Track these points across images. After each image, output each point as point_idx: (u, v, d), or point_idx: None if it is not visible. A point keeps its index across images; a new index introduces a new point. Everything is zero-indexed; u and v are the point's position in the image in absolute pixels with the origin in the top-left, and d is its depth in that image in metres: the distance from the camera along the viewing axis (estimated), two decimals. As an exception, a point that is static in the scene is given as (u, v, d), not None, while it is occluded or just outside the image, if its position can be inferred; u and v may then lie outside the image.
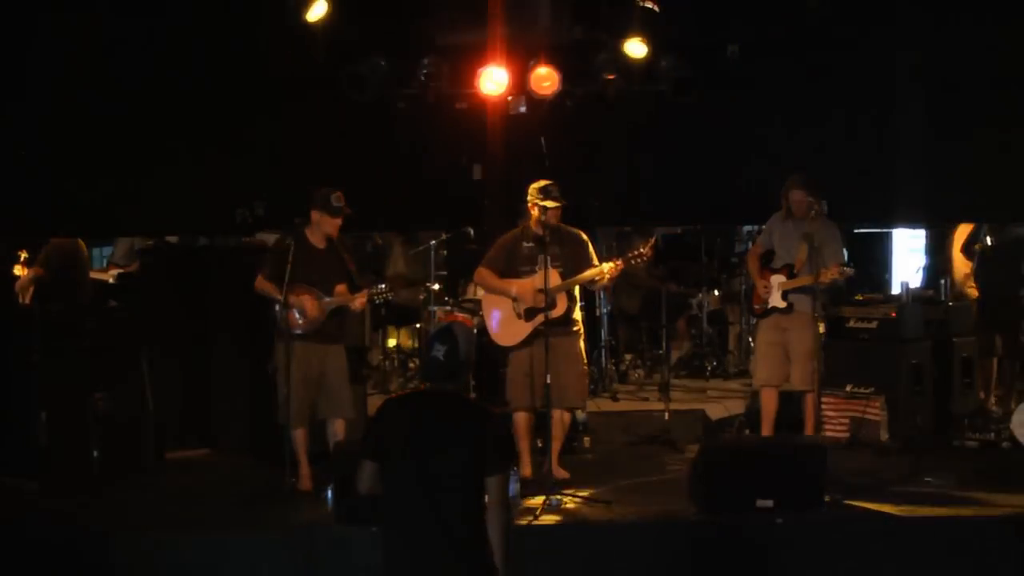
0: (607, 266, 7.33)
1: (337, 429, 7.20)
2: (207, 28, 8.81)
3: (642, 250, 7.41)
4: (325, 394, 7.21)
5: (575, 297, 7.57)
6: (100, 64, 8.64)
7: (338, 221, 7.21)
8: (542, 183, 7.42)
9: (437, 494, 4.29)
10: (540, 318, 7.21)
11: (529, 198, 7.44)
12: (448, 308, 9.45)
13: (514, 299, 7.41)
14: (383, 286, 7.22)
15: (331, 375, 7.24)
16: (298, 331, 7.11)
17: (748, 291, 10.58)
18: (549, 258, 7.20)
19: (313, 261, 7.19)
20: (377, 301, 7.30)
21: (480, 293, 8.19)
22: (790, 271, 7.81)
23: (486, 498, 4.34)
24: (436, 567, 4.28)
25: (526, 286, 7.40)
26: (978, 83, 8.90)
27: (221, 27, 8.84)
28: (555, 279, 7.26)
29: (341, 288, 7.21)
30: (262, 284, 7.18)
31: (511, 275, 7.49)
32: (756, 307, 8.11)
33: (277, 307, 7.08)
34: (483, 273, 7.58)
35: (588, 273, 7.39)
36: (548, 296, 7.14)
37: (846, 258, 7.74)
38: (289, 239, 7.10)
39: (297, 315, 7.11)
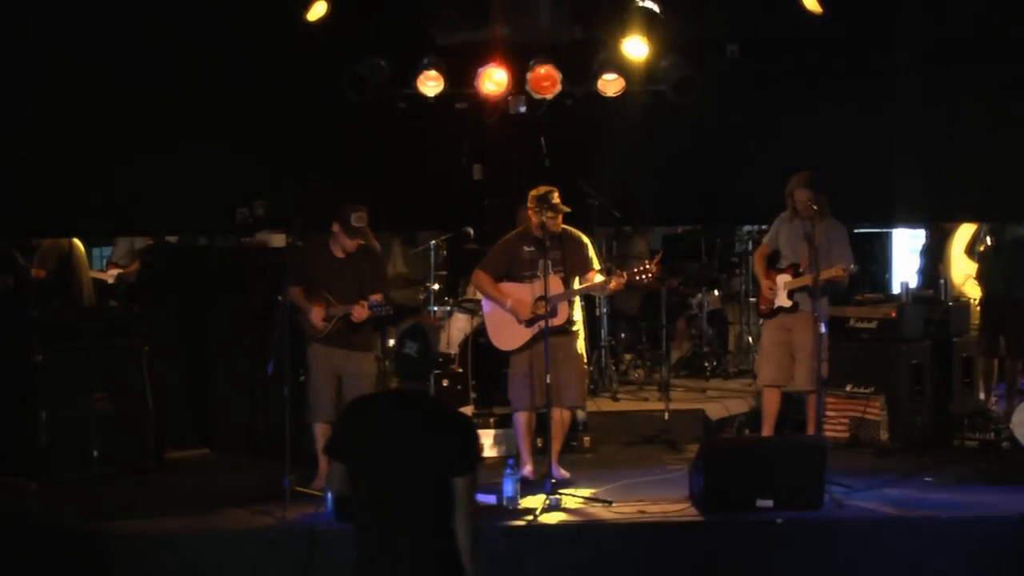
0: (612, 282, 7.28)
1: None
2: (208, 26, 8.82)
3: (648, 266, 7.30)
4: (342, 399, 7.26)
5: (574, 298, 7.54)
6: (100, 63, 8.64)
7: (357, 240, 7.26)
8: (541, 191, 7.31)
9: (404, 495, 4.27)
10: (540, 325, 7.16)
11: (529, 206, 7.35)
12: (449, 308, 9.45)
13: (510, 310, 7.36)
14: (384, 303, 7.23)
15: (349, 381, 7.29)
16: (312, 336, 7.29)
17: (748, 291, 10.62)
18: (551, 263, 7.17)
19: (332, 271, 7.28)
20: (382, 314, 7.33)
21: (480, 294, 8.17)
22: (795, 270, 7.79)
23: (455, 499, 4.29)
24: (405, 568, 4.26)
25: (524, 296, 7.36)
26: (978, 81, 8.90)
27: (222, 26, 8.85)
28: (557, 285, 7.23)
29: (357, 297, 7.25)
30: (291, 290, 7.19)
31: (513, 281, 7.44)
32: (762, 307, 8.05)
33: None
34: (480, 277, 7.52)
35: (592, 286, 7.37)
36: (549, 304, 7.09)
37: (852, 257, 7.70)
38: (304, 245, 7.11)
39: (308, 321, 7.27)
